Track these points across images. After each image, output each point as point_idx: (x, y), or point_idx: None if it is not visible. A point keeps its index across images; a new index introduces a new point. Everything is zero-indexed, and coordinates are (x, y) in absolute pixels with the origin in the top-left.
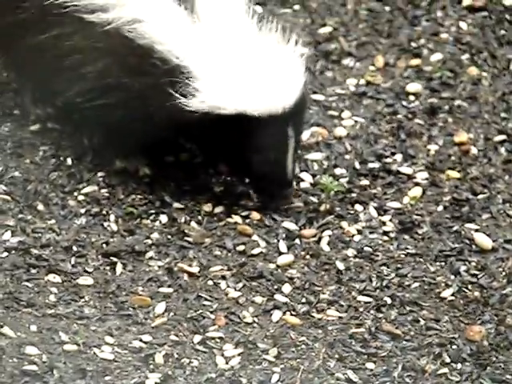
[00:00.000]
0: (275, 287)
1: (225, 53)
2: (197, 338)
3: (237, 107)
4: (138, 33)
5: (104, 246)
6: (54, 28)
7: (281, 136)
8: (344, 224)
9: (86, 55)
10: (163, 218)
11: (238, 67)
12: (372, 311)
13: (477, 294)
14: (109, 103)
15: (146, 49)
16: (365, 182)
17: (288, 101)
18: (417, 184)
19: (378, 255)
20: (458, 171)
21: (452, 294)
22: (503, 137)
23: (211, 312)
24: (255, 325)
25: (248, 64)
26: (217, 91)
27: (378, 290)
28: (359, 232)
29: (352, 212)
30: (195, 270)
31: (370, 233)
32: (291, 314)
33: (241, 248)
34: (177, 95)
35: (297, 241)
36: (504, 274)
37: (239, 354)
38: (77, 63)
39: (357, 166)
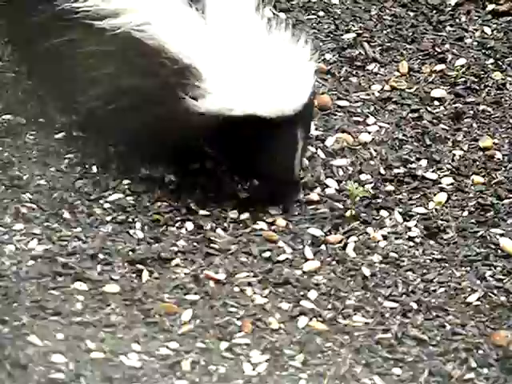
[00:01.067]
0: (301, 293)
1: (235, 55)
2: (223, 345)
3: (246, 109)
4: (148, 35)
5: (130, 253)
6: (67, 34)
7: (290, 139)
8: (369, 230)
9: (101, 61)
10: (189, 225)
11: (247, 69)
12: (398, 317)
13: (503, 298)
14: (129, 108)
15: (157, 50)
16: (390, 187)
17: (297, 103)
18: (442, 189)
19: (403, 261)
20: (483, 176)
21: (478, 299)
22: None
23: (238, 319)
24: (282, 331)
25: (258, 66)
26: (226, 93)
27: (403, 296)
28: (385, 238)
29: (377, 218)
30: (221, 276)
31: (396, 238)
32: (317, 320)
33: (267, 254)
34: (186, 97)
35: (322, 247)
36: None
37: (266, 361)
38: (93, 69)
39: (382, 171)
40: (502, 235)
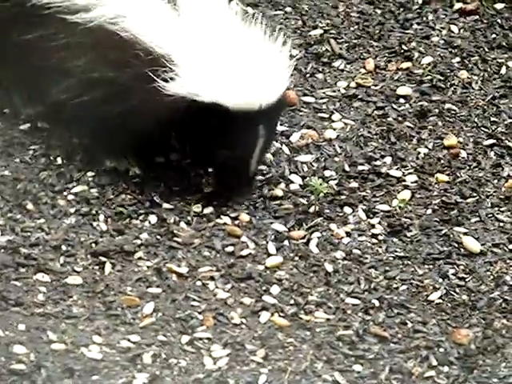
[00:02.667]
0: (263, 288)
1: (207, 44)
2: (185, 339)
3: (212, 97)
4: (120, 28)
5: (93, 245)
6: (37, 29)
7: (250, 133)
8: (333, 226)
9: (69, 53)
10: (152, 219)
11: (219, 58)
12: (360, 313)
13: (465, 297)
14: (93, 100)
15: (128, 42)
16: (354, 184)
17: (265, 99)
18: (406, 187)
19: (366, 258)
20: (447, 174)
21: (440, 297)
22: (493, 141)
23: (199, 313)
24: (243, 326)
25: (230, 56)
26: (195, 78)
27: (366, 293)
28: (348, 234)
29: (341, 214)
30: (184, 270)
31: (359, 235)
32: (279, 316)
33: (230, 249)
34: (157, 80)
35: (286, 242)
36: (492, 277)
37: (227, 355)
38: (61, 60)
39: (346, 168)
40: (465, 234)
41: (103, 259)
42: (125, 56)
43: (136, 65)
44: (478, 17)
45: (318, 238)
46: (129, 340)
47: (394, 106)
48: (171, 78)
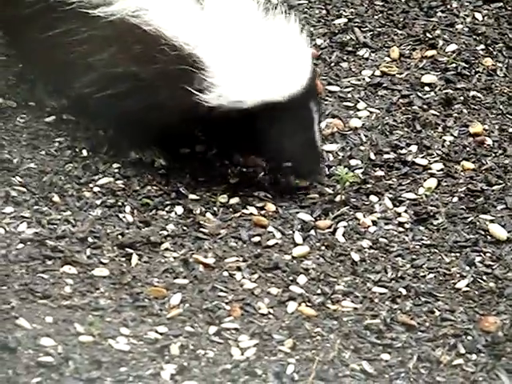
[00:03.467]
0: (290, 278)
1: (235, 41)
2: (212, 329)
3: (258, 97)
4: (143, 21)
5: (119, 237)
6: (60, 24)
7: (306, 114)
8: (359, 215)
9: (93, 46)
10: (179, 210)
11: (249, 56)
12: (387, 302)
13: (492, 284)
14: (120, 93)
15: (153, 36)
16: (380, 172)
17: (303, 79)
18: (432, 175)
19: (393, 246)
20: (473, 162)
21: (467, 285)
22: None
23: (226, 303)
24: (270, 316)
25: (258, 51)
26: (234, 84)
27: (393, 281)
28: (374, 223)
29: (367, 203)
30: (210, 261)
31: (385, 224)
32: (306, 305)
33: (256, 239)
34: (193, 90)
35: (312, 232)
36: None
37: (254, 345)
38: (85, 54)
39: (372, 156)
40: (491, 221)
41: (130, 251)
42: (149, 51)
43: (161, 60)
44: (501, 4)
45: (345, 227)
46: (156, 331)
47: (419, 94)
48: (208, 88)
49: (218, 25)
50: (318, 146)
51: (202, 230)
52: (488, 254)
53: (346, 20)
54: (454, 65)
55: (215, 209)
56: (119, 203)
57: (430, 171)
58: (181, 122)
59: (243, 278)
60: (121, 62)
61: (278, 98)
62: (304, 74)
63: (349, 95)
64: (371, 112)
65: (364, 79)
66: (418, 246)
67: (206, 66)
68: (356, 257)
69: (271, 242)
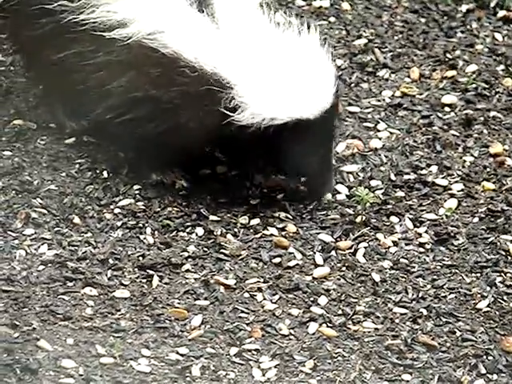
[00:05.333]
0: (311, 299)
1: (254, 59)
2: (233, 351)
3: (289, 114)
4: (161, 43)
5: (140, 258)
6: (74, 46)
7: (326, 133)
8: (380, 236)
9: (111, 71)
10: (199, 231)
11: (274, 74)
12: (408, 323)
13: None
14: (140, 116)
15: (171, 58)
16: (400, 193)
17: (329, 98)
18: (452, 195)
19: (413, 267)
20: (494, 182)
21: (488, 305)
22: None
23: (247, 324)
24: (291, 337)
25: (282, 70)
26: (263, 103)
27: (413, 302)
28: (395, 244)
29: (388, 224)
30: (231, 282)
31: (406, 244)
32: (327, 326)
33: (277, 260)
34: (222, 110)
35: (333, 253)
36: None
37: (276, 366)
38: (102, 79)
39: (392, 177)
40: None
41: (151, 272)
42: (168, 73)
43: (181, 82)
44: None
45: (365, 247)
46: (177, 352)
47: (440, 115)
48: (237, 108)
49: (237, 43)
50: (332, 164)
51: (222, 251)
52: (509, 275)
53: (365, 41)
54: (474, 85)
55: (236, 230)
56: (140, 225)
57: (450, 192)
58: (202, 143)
59: (264, 299)
60: (140, 85)
61: (304, 116)
62: (329, 92)
63: (369, 116)
64: (391, 133)
65: (384, 100)
66: (438, 267)
67: (230, 86)
68: (377, 277)
69: (292, 263)
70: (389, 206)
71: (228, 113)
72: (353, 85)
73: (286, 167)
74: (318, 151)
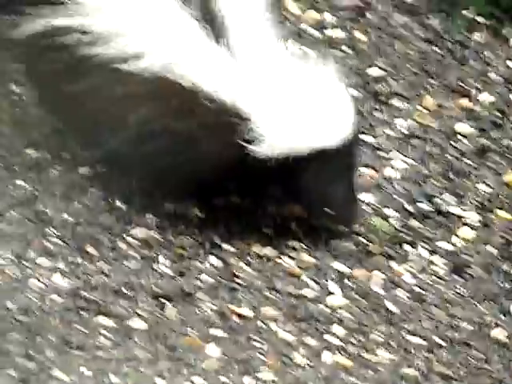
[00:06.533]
0: (326, 328)
1: (275, 90)
2: (248, 380)
3: (306, 145)
4: (178, 75)
5: (154, 287)
6: (89, 78)
7: (347, 163)
8: (394, 265)
9: (127, 102)
10: (213, 260)
11: (293, 104)
12: (423, 352)
13: None
14: (156, 147)
15: (189, 90)
16: (415, 222)
17: (347, 127)
18: (466, 224)
19: (428, 296)
20: (508, 211)
21: (502, 334)
22: None
23: (262, 354)
24: (307, 366)
25: (301, 100)
26: (282, 134)
27: (428, 331)
28: (409, 273)
29: (402, 253)
30: (245, 311)
31: (420, 273)
32: (342, 355)
33: (291, 290)
34: (239, 141)
35: (347, 282)
36: None
37: None
38: (117, 110)
39: (406, 206)
40: None
41: (164, 301)
42: (186, 105)
43: (199, 113)
44: None
45: (380, 277)
46: (192, 382)
47: (453, 144)
48: (256, 139)
49: (254, 74)
50: (356, 195)
51: (236, 280)
52: None
53: (379, 70)
54: (487, 114)
55: (250, 259)
56: (153, 254)
57: (464, 221)
58: (217, 173)
59: (278, 328)
60: (156, 116)
61: (324, 146)
62: (347, 121)
63: (383, 145)
64: (405, 162)
65: (398, 129)
66: (453, 296)
67: (248, 117)
68: (391, 306)
69: (306, 292)
70: (403, 235)
71: (245, 144)
72: (366, 114)
73: (303, 198)
74: (337, 181)
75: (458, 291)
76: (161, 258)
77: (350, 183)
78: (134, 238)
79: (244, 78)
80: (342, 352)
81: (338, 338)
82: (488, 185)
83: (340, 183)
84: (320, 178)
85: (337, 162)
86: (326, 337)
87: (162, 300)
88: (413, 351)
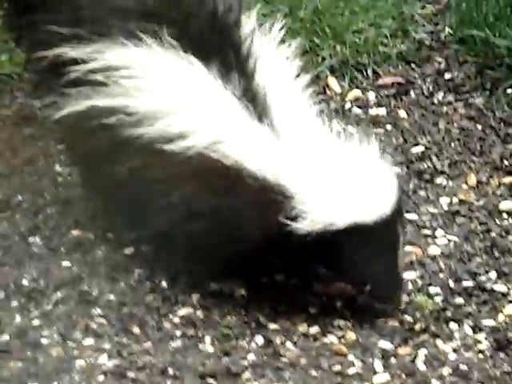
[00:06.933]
0: None
1: (317, 167)
2: None
3: (349, 220)
4: (221, 154)
5: (200, 367)
6: (133, 159)
7: (393, 236)
8: (439, 342)
9: (171, 182)
10: (259, 339)
11: (334, 180)
12: None
13: None
14: (200, 227)
15: (233, 169)
16: (459, 300)
17: (390, 202)
18: (511, 302)
19: (473, 373)
20: None
21: None
22: None
23: None
24: None
25: (341, 175)
26: (324, 210)
27: None
28: (454, 350)
29: (447, 330)
30: None
31: (465, 351)
32: None
33: (336, 368)
34: (283, 219)
35: (392, 360)
36: None
37: None
38: (162, 191)
39: (451, 284)
40: None
41: (211, 381)
42: (230, 184)
43: (243, 192)
44: None
45: (425, 354)
46: None
47: (497, 221)
48: (298, 216)
49: (297, 153)
50: (401, 272)
51: (282, 359)
52: None
53: (422, 148)
54: None
55: (295, 338)
56: (199, 334)
57: (509, 298)
58: (261, 251)
59: None
60: (201, 196)
61: (366, 222)
62: (390, 197)
63: (427, 223)
64: (449, 240)
65: (442, 207)
66: (498, 373)
67: (293, 194)
68: None
69: (351, 371)
70: (448, 313)
71: (289, 222)
72: (410, 192)
73: (348, 275)
74: (382, 258)
75: (504, 369)
76: (207, 338)
77: (394, 260)
78: (179, 318)
79: (287, 156)
80: None
81: None
82: None
83: (384, 260)
84: (364, 255)
85: (380, 239)
86: None
87: (209, 380)
88: None
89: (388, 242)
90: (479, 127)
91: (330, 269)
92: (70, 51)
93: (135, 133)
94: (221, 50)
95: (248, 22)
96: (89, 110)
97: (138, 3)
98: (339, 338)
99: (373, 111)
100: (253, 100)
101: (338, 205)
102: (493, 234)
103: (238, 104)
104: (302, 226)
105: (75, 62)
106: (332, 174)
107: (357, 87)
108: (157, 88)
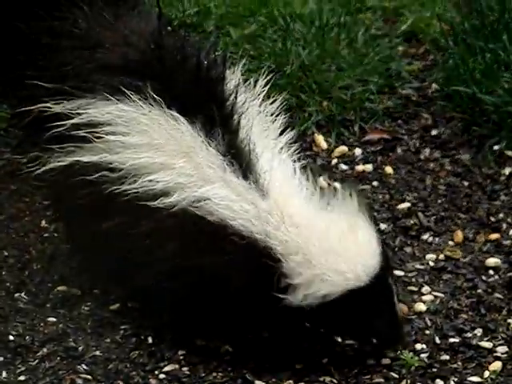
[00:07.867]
0: None
1: (303, 226)
2: None
3: (343, 285)
4: (206, 211)
5: None
6: (116, 215)
7: (386, 291)
8: None
9: (155, 239)
10: None
11: (322, 244)
12: None
13: None
14: (185, 284)
15: (217, 226)
16: (445, 356)
17: (377, 258)
18: (497, 358)
19: None
20: None
21: None
22: None
23: None
24: None
25: (329, 238)
26: (318, 281)
27: None
28: None
29: None
30: None
31: None
32: None
33: None
34: (275, 292)
35: None
36: None
37: None
38: (146, 247)
39: (437, 340)
40: None
41: None
42: (215, 242)
43: (228, 251)
44: None
45: None
46: None
47: (484, 278)
48: (290, 288)
49: (283, 211)
50: (401, 324)
51: None
52: None
53: (409, 204)
54: None
55: None
56: None
57: (495, 354)
58: (247, 309)
59: None
60: (186, 253)
61: (358, 284)
62: (375, 256)
63: (413, 279)
64: (436, 296)
65: (428, 263)
66: None
67: (280, 257)
68: None
69: None
70: (434, 370)
71: (278, 295)
72: (396, 249)
73: (350, 333)
74: (381, 312)
75: None
76: None
77: (393, 312)
78: (165, 374)
79: (273, 214)
80: None
81: None
82: None
83: (384, 314)
84: (363, 315)
85: (372, 300)
86: None
87: None
88: None
89: (384, 296)
90: (466, 184)
91: (327, 329)
92: (54, 106)
93: (119, 189)
94: (205, 105)
95: (233, 77)
96: (73, 166)
97: (121, 59)
98: None
99: (359, 167)
100: (237, 156)
101: (330, 275)
102: (479, 291)
103: (222, 160)
104: (294, 299)
105: (59, 117)
106: (320, 238)
107: (343, 143)
108: (140, 144)
